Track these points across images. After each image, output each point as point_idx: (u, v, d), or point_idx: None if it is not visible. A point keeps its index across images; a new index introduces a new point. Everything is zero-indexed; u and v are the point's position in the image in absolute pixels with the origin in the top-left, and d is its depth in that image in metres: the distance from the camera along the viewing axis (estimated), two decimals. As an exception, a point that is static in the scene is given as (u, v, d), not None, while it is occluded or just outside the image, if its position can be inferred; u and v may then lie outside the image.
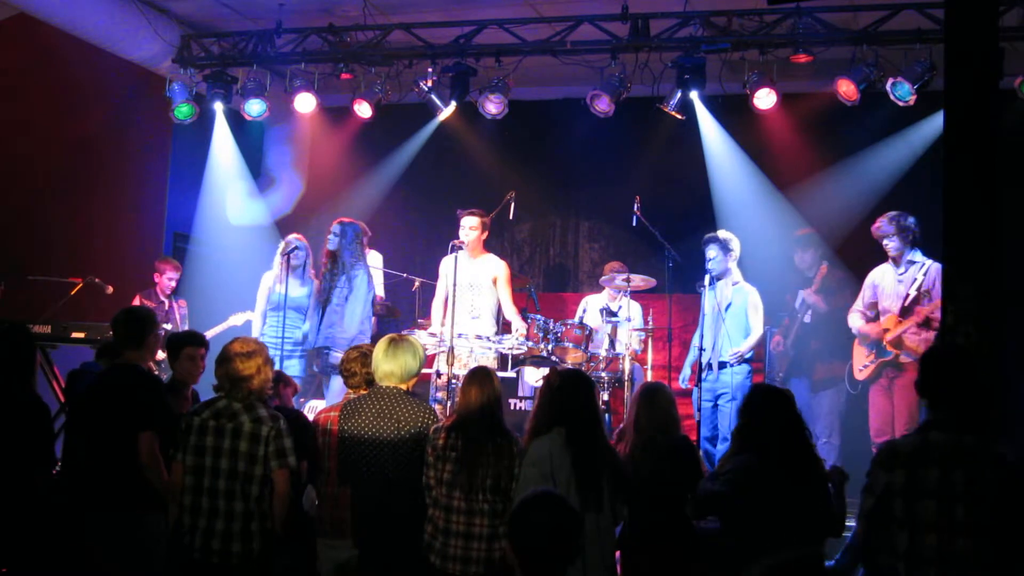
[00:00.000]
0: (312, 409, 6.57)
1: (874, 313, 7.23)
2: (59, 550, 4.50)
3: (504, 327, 7.80)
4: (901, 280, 7.04)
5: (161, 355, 7.83)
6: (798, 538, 4.01)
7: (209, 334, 8.26)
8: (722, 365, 7.36)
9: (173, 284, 8.38)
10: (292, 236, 8.09)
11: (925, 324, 6.83)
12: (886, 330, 7.03)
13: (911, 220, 7.02)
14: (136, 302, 8.09)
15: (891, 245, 7.05)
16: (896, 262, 7.09)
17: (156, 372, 7.78)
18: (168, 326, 8.09)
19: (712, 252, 7.50)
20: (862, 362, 7.19)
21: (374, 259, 8.25)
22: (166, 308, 8.23)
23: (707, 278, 7.47)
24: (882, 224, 7.08)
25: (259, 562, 4.19)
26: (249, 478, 4.18)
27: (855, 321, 7.26)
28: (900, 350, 6.92)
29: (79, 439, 4.78)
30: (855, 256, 8.55)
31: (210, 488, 4.19)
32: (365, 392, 4.84)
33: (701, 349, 7.32)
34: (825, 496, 4.19)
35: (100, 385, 4.74)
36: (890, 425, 6.93)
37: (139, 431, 4.45)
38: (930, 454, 3.41)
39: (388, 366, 4.60)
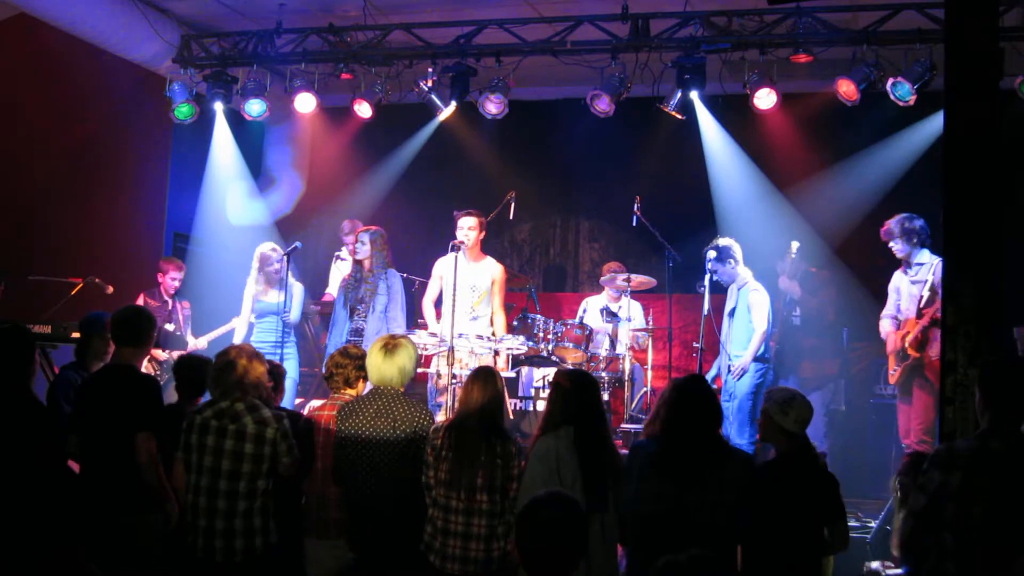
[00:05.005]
0: (312, 408, 6.56)
1: (903, 316, 7.18)
2: (58, 549, 4.48)
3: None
4: (915, 282, 7.02)
5: (163, 355, 7.85)
6: None
7: (211, 336, 8.27)
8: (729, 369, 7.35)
9: (176, 284, 8.37)
10: (269, 247, 7.94)
11: (935, 324, 6.79)
12: (907, 333, 6.99)
13: (918, 222, 6.96)
14: (140, 301, 8.07)
15: (896, 248, 7.03)
16: (907, 265, 7.07)
17: (157, 372, 7.81)
18: (170, 326, 8.08)
19: (711, 261, 7.42)
20: (892, 367, 7.16)
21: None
22: (169, 308, 8.24)
23: (707, 278, 7.45)
24: (889, 226, 7.05)
25: (262, 558, 4.19)
26: (254, 476, 4.19)
27: (884, 326, 7.23)
28: (921, 352, 6.85)
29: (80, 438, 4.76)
30: (855, 256, 8.56)
31: (209, 488, 4.19)
32: (350, 394, 4.87)
33: (702, 350, 7.32)
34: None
35: (97, 385, 4.72)
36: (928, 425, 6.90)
37: (136, 432, 4.44)
38: (987, 461, 3.44)
39: (386, 370, 4.60)
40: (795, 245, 7.81)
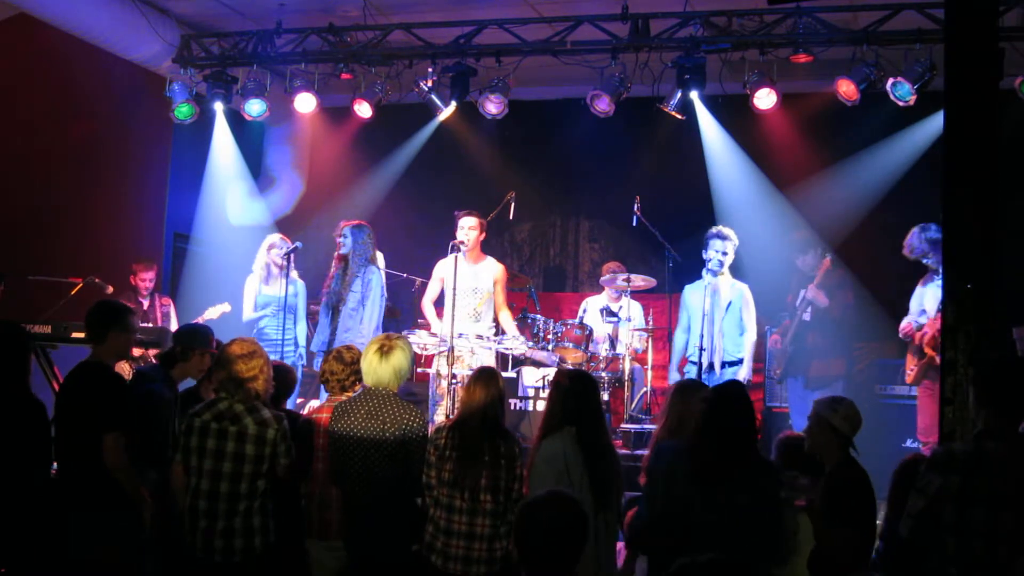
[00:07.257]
0: (311, 409, 6.56)
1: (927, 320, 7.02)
2: (54, 550, 4.47)
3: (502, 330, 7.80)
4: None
5: (137, 352, 7.81)
6: None
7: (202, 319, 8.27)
8: (724, 364, 7.35)
9: (149, 284, 8.41)
10: (278, 237, 8.06)
11: None
12: (924, 333, 6.89)
13: (934, 228, 6.80)
14: None
15: (932, 260, 6.90)
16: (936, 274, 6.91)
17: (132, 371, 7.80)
18: (146, 325, 8.07)
19: (724, 247, 7.38)
20: (910, 365, 7.09)
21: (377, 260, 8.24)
22: (145, 307, 8.26)
23: (706, 275, 7.44)
24: (913, 244, 6.92)
25: (261, 558, 4.19)
26: (254, 477, 4.18)
27: (902, 325, 7.11)
28: (936, 351, 6.70)
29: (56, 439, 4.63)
30: (855, 256, 8.55)
31: (210, 491, 4.18)
32: (345, 396, 4.86)
33: (701, 349, 7.29)
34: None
35: (66, 384, 4.62)
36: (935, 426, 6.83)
37: (104, 432, 4.34)
38: (985, 462, 3.44)
39: (381, 372, 4.57)
40: (828, 259, 7.75)
